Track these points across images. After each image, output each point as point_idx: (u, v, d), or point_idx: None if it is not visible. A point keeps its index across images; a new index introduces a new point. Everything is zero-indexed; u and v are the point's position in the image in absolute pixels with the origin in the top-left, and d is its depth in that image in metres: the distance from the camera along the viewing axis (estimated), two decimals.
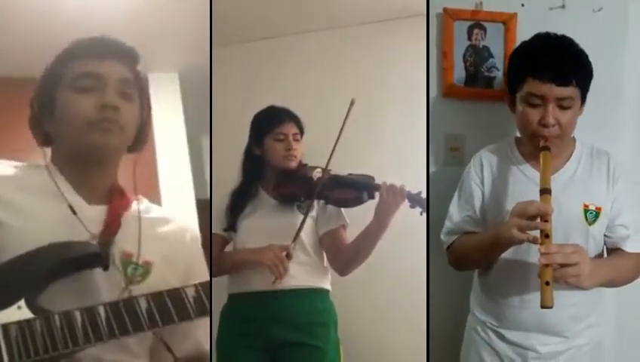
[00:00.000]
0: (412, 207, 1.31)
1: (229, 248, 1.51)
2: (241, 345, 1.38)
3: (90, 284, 0.85)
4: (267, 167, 1.49)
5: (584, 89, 1.12)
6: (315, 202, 1.43)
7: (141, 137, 1.00)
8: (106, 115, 0.91)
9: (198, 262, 1.03)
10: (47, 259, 0.79)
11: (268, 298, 1.37)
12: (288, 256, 1.28)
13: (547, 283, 0.97)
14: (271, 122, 1.47)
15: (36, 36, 2.08)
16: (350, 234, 1.43)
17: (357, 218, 1.40)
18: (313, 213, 1.43)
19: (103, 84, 0.92)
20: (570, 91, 1.09)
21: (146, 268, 0.91)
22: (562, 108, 1.09)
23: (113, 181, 0.99)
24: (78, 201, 0.92)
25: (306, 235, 1.41)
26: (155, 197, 2.35)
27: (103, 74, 0.92)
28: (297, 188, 1.41)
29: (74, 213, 0.88)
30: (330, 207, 1.43)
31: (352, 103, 1.39)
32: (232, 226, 1.45)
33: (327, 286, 1.46)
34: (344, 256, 1.41)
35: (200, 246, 1.05)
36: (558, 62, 1.08)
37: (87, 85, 0.92)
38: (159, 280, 0.91)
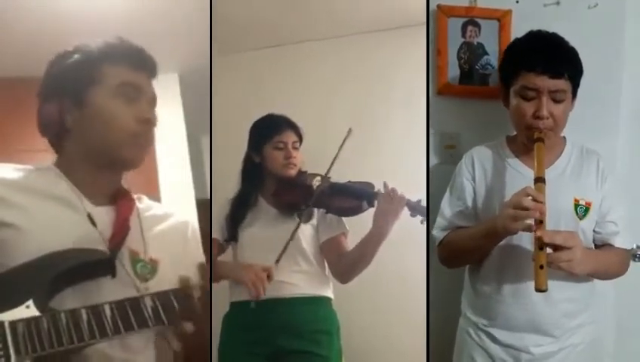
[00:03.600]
0: (412, 215, 1.31)
1: (228, 256, 1.51)
2: (244, 353, 1.38)
3: (99, 287, 0.86)
4: (266, 175, 1.49)
5: (575, 83, 1.16)
6: (316, 210, 1.44)
7: None
8: (146, 129, 0.93)
9: (200, 257, 1.04)
10: (57, 265, 0.81)
11: (270, 306, 1.37)
12: (269, 277, 1.28)
13: (541, 267, 0.99)
14: (270, 130, 1.48)
15: (36, 36, 2.09)
16: (351, 242, 1.43)
17: (358, 226, 1.41)
18: (314, 221, 1.44)
19: (141, 95, 0.94)
20: (563, 84, 1.13)
21: (154, 266, 0.93)
22: (555, 101, 1.13)
23: (120, 181, 1.00)
24: (85, 203, 0.92)
25: (307, 243, 1.41)
26: (155, 198, 2.36)
27: (142, 86, 0.94)
28: (297, 196, 1.41)
29: (94, 224, 0.89)
30: (330, 214, 1.44)
31: (349, 132, 1.40)
32: (233, 237, 1.45)
33: (330, 294, 1.46)
34: (345, 264, 1.41)
35: (200, 239, 1.06)
36: (551, 56, 1.12)
37: (129, 94, 0.93)
38: (166, 277, 0.92)
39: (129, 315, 0.78)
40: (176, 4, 2.04)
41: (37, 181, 0.92)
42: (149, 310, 0.79)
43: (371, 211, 1.35)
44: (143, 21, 2.03)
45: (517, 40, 1.20)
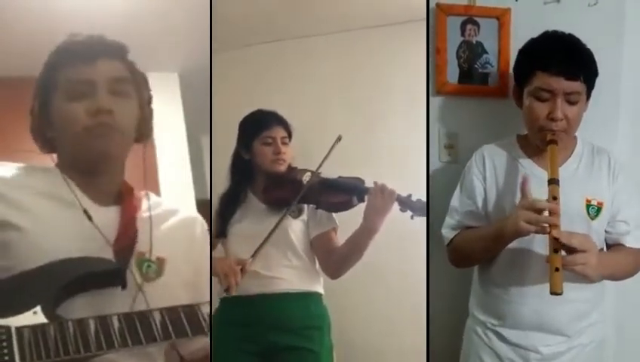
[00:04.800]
0: (402, 210, 1.31)
1: (219, 252, 1.50)
2: (235, 350, 1.38)
3: (107, 294, 0.86)
4: (256, 171, 1.49)
5: (590, 85, 1.15)
6: (306, 206, 1.44)
7: (145, 128, 0.99)
8: (100, 120, 0.90)
9: (208, 254, 1.04)
10: (67, 272, 0.81)
11: (260, 302, 1.37)
12: (243, 271, 1.27)
13: (557, 269, 0.98)
14: (259, 126, 1.48)
15: (35, 36, 2.09)
16: (342, 238, 1.43)
17: (349, 221, 1.41)
18: (304, 216, 1.44)
19: (94, 88, 0.92)
20: (578, 86, 1.11)
21: (160, 265, 0.92)
22: (570, 103, 1.12)
23: (121, 179, 0.99)
24: (88, 204, 0.92)
25: (298, 239, 1.41)
26: None
27: (93, 78, 0.92)
28: (286, 192, 1.41)
29: (90, 218, 0.89)
30: (320, 210, 1.43)
31: (338, 139, 1.39)
32: (222, 232, 1.45)
33: (320, 289, 1.46)
34: (335, 260, 1.41)
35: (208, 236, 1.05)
36: (567, 57, 1.11)
37: (79, 92, 0.91)
38: (173, 275, 0.93)
39: (137, 329, 0.77)
40: (176, 3, 2.04)
41: (41, 181, 0.92)
42: (158, 324, 0.79)
43: (361, 206, 1.35)
44: (144, 21, 2.03)
45: (532, 40, 1.18)
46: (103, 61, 0.93)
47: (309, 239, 1.45)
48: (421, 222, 1.32)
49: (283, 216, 1.36)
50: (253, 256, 1.31)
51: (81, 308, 0.81)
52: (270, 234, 1.33)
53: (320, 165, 1.40)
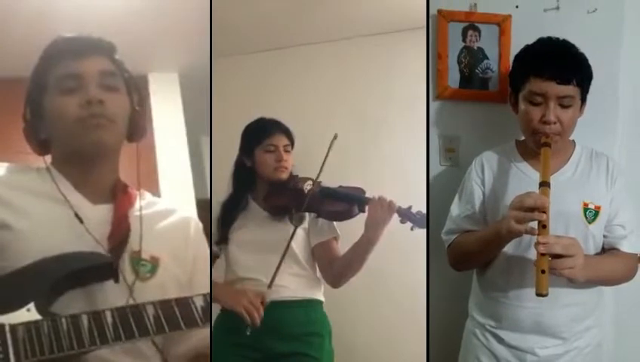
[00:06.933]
0: (402, 222, 1.32)
1: (221, 262, 1.50)
2: (236, 356, 1.38)
3: (100, 290, 0.86)
4: (258, 179, 1.50)
5: (584, 89, 1.16)
6: (307, 214, 1.44)
7: (137, 125, 0.99)
8: (91, 110, 0.91)
9: (204, 254, 1.04)
10: (59, 268, 0.81)
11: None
12: (263, 303, 1.28)
13: (543, 272, 1.00)
14: (261, 134, 1.48)
15: (35, 36, 2.08)
16: (343, 247, 1.44)
17: (351, 230, 1.41)
18: (305, 224, 1.44)
19: (83, 81, 0.93)
20: (571, 90, 1.13)
21: (154, 264, 0.92)
22: (563, 106, 1.13)
23: (115, 176, 0.99)
24: (81, 203, 0.92)
25: (299, 247, 1.42)
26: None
27: (82, 72, 0.93)
28: (288, 199, 1.41)
29: (81, 221, 0.89)
30: (321, 218, 1.44)
31: (334, 137, 1.39)
32: (223, 239, 1.45)
33: (321, 297, 1.47)
34: (335, 269, 1.42)
35: (204, 237, 1.05)
36: (559, 62, 1.13)
37: (70, 86, 0.92)
38: (167, 275, 0.92)
39: (130, 322, 0.77)
40: (177, 3, 2.04)
41: (34, 181, 0.92)
42: (151, 318, 0.78)
43: (362, 216, 1.36)
44: (144, 21, 2.03)
45: (527, 46, 1.20)
46: (90, 57, 0.95)
47: (310, 247, 1.45)
48: (421, 230, 1.33)
49: (295, 231, 1.36)
50: (270, 286, 1.31)
51: (74, 305, 0.80)
52: (285, 252, 1.33)
53: (320, 171, 1.40)
